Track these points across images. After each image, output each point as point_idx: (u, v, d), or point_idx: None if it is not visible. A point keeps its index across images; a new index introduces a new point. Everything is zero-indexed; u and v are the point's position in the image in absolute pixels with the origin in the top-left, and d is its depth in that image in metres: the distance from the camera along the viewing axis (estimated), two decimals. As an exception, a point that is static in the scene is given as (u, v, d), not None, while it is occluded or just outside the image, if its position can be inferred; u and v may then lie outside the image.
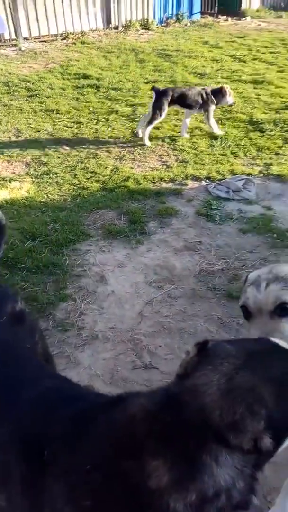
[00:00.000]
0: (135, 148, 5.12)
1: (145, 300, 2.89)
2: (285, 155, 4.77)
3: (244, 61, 8.25)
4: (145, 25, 11.57)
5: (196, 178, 4.42)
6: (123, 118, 5.95)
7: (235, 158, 4.79)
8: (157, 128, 5.60)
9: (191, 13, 12.54)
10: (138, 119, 5.86)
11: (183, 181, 4.38)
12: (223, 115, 5.82)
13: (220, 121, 5.63)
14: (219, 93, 5.12)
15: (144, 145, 5.10)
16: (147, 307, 2.83)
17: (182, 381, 0.94)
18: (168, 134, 5.41)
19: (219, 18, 12.67)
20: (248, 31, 11.06)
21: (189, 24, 12.09)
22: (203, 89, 5.18)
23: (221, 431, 0.79)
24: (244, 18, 12.55)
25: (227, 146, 5.04)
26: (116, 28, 11.31)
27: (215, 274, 3.12)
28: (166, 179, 4.42)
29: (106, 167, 4.67)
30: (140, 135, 5.25)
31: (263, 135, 5.22)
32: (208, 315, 2.76)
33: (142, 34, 11.07)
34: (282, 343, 1.01)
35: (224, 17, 12.69)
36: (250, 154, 4.87)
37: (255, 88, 6.76)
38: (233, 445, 0.79)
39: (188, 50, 9.13)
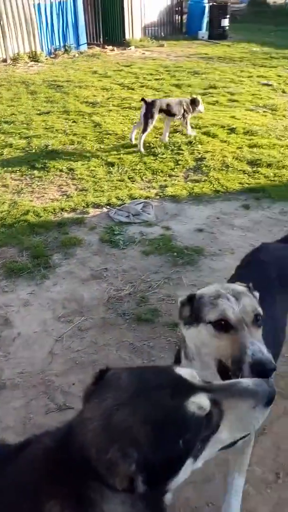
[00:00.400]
0: (33, 181, 5.05)
1: (54, 337, 2.81)
2: (177, 176, 5.05)
3: (133, 89, 8.65)
4: (34, 57, 11.61)
5: (97, 206, 4.47)
6: (18, 151, 5.84)
7: (132, 183, 4.95)
8: (54, 158, 5.59)
9: (78, 44, 12.88)
10: (33, 151, 5.82)
11: (84, 210, 4.40)
12: (117, 142, 6.00)
13: (114, 148, 5.81)
14: (194, 103, 5.88)
15: (139, 150, 5.64)
16: (58, 345, 2.75)
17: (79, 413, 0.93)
18: (66, 164, 5.42)
19: (106, 48, 13.19)
20: (134, 59, 11.66)
21: (77, 54, 12.39)
22: (181, 100, 5.91)
23: (98, 469, 0.78)
24: (129, 48, 13.22)
25: (124, 171, 5.20)
26: (5, 61, 11.19)
27: (124, 299, 3.16)
28: (67, 209, 4.41)
29: (3, 202, 4.52)
30: (133, 142, 5.77)
31: (156, 159, 5.47)
32: (120, 342, 2.77)
33: (32, 66, 11.08)
34: (187, 374, 0.96)
35: (110, 47, 13.24)
36: (146, 177, 5.07)
37: (145, 114, 7.10)
38: (110, 484, 0.77)
39: (79, 80, 9.33)
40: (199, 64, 10.75)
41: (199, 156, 5.49)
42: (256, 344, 1.26)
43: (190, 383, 0.93)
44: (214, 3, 14.80)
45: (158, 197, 4.65)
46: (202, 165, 5.25)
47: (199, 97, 6.10)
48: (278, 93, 8.21)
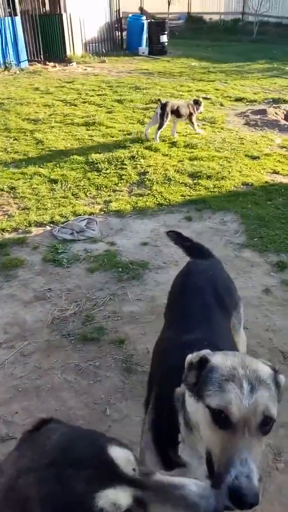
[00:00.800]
0: (-28, 202, 4.88)
1: (-5, 365, 2.70)
2: (121, 191, 5.08)
3: (75, 105, 8.65)
4: (-28, 74, 11.35)
5: (40, 224, 4.39)
6: None
7: (76, 199, 4.91)
8: (-6, 177, 5.45)
9: (18, 61, 12.74)
10: (-28, 171, 5.64)
11: (26, 229, 4.30)
12: (60, 159, 5.95)
13: (58, 165, 5.75)
14: (197, 104, 6.75)
15: (155, 141, 6.40)
16: (-1, 372, 2.65)
17: None
18: (7, 183, 5.29)
19: (47, 64, 13.15)
20: (76, 76, 11.69)
21: (18, 71, 12.25)
22: (188, 102, 6.76)
23: None
24: (70, 64, 13.25)
25: (68, 188, 5.15)
26: None
27: (68, 319, 3.10)
28: (8, 229, 4.29)
29: None
30: (148, 137, 6.46)
31: (100, 174, 5.48)
32: (65, 365, 2.71)
33: None
34: (121, 458, 0.81)
35: (52, 63, 13.22)
36: (90, 193, 5.06)
37: (87, 129, 7.13)
38: None
39: (20, 97, 9.20)
40: (140, 79, 10.97)
41: (142, 170, 5.56)
42: (247, 465, 1.00)
43: (117, 470, 0.78)
44: (152, 20, 15.24)
45: (102, 212, 4.65)
46: (145, 179, 5.32)
47: (201, 99, 7.05)
48: (216, 106, 8.53)
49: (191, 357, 1.21)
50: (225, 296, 1.93)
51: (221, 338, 1.67)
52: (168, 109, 6.32)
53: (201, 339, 1.56)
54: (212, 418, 1.09)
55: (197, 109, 6.71)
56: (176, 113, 6.47)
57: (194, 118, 6.72)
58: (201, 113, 7.02)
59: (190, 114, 6.62)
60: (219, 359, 1.17)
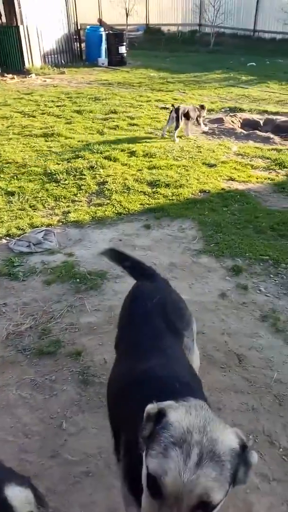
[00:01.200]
0: None
1: None
2: (80, 201, 5.06)
3: (34, 116, 8.58)
4: None
5: (-5, 238, 4.30)
6: None
7: (34, 211, 4.85)
8: None
9: (-25, 73, 12.54)
10: None
11: (-18, 244, 4.20)
12: (18, 171, 5.87)
13: (15, 176, 5.67)
14: (202, 108, 7.75)
15: (174, 140, 7.17)
16: None
17: None
18: None
19: (6, 76, 12.99)
20: (35, 87, 11.61)
21: (-25, 83, 12.05)
22: (195, 106, 7.73)
23: None
24: (29, 76, 13.16)
25: (25, 200, 5.08)
26: None
27: (24, 334, 3.04)
28: None
29: None
30: (166, 135, 7.30)
31: (59, 185, 5.44)
32: (20, 380, 2.65)
33: None
34: (17, 498, 0.75)
35: (10, 75, 13.07)
36: (49, 205, 5.00)
37: (46, 141, 7.07)
38: None
39: (-24, 109, 9.04)
40: (100, 90, 11.02)
41: (101, 180, 5.56)
42: None
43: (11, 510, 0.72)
44: (111, 31, 15.39)
45: (61, 223, 4.60)
46: (105, 188, 5.32)
47: (205, 104, 8.15)
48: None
49: (149, 408, 1.08)
50: (175, 318, 1.87)
51: (176, 363, 1.63)
52: (181, 111, 7.14)
53: (156, 369, 1.51)
54: (147, 481, 0.99)
55: (200, 114, 7.66)
56: (187, 115, 7.33)
57: (201, 120, 7.74)
58: (203, 117, 7.94)
59: (197, 116, 7.63)
60: (177, 416, 1.02)
